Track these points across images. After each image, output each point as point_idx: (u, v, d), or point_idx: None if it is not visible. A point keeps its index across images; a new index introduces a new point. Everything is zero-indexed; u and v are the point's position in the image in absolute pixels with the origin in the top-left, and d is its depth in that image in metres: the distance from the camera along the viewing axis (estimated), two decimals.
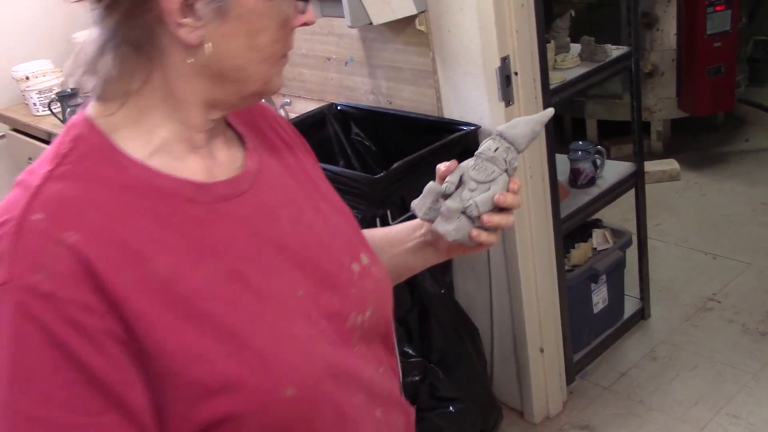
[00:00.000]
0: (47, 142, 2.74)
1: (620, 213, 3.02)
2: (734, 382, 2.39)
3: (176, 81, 0.73)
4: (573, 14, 2.58)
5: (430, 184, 0.92)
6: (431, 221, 0.93)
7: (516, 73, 1.97)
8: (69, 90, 2.70)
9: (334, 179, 1.02)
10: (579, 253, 2.48)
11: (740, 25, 3.62)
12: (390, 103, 2.27)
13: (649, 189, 2.74)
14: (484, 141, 0.93)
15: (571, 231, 2.43)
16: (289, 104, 2.47)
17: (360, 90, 2.35)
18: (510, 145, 0.91)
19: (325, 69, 2.42)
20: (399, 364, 1.34)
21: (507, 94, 1.97)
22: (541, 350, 2.28)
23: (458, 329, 2.12)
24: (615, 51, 2.47)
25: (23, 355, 0.64)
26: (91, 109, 0.75)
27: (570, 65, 2.42)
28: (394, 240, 1.00)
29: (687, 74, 3.63)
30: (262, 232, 0.78)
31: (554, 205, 2.21)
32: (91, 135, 0.72)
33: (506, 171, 0.90)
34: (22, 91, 2.89)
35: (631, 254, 2.65)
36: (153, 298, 0.68)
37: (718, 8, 3.42)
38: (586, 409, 2.39)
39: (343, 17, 2.01)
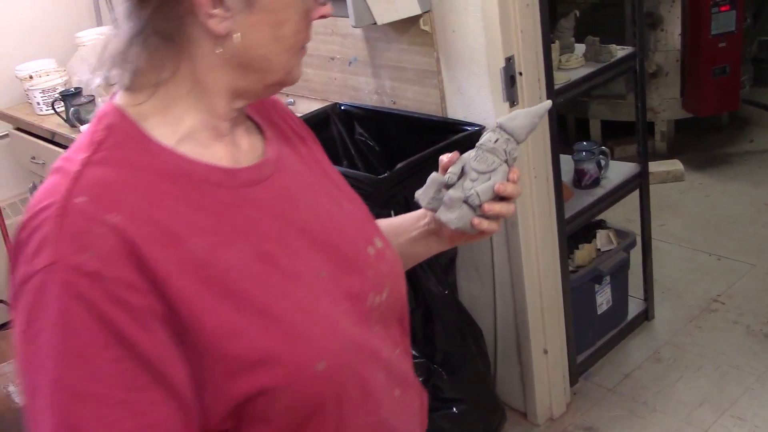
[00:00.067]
0: (51, 142, 2.74)
1: (624, 213, 3.01)
2: (739, 383, 2.38)
3: (204, 71, 0.76)
4: (578, 14, 2.57)
5: (433, 174, 0.96)
6: (434, 210, 0.96)
7: (521, 74, 1.96)
8: (72, 89, 2.70)
9: None
10: (583, 254, 2.48)
11: (745, 26, 3.61)
12: (394, 103, 2.27)
13: (653, 189, 2.73)
14: (484, 133, 0.96)
15: (575, 232, 2.42)
16: (292, 104, 2.46)
17: (364, 90, 2.35)
18: (510, 136, 0.94)
19: (329, 69, 2.42)
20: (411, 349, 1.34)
21: (511, 95, 1.96)
22: (545, 351, 2.27)
23: (462, 330, 2.12)
24: (620, 51, 2.47)
25: (71, 333, 0.66)
26: (119, 99, 0.78)
27: (574, 65, 2.41)
28: (399, 229, 1.03)
29: (691, 75, 3.62)
30: (285, 216, 0.81)
31: (558, 206, 2.20)
32: (122, 123, 0.75)
33: (506, 161, 0.94)
34: (25, 90, 2.89)
35: (635, 255, 2.64)
36: (191, 277, 0.71)
37: (722, 8, 3.41)
38: (589, 411, 2.38)
39: (347, 17, 2.01)
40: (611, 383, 2.48)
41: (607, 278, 2.50)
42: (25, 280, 0.69)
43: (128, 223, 0.69)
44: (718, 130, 4.04)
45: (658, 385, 2.43)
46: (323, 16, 0.80)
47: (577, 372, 2.45)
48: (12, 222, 3.12)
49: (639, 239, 2.65)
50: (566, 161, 2.42)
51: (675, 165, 3.68)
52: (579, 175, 2.51)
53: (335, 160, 2.28)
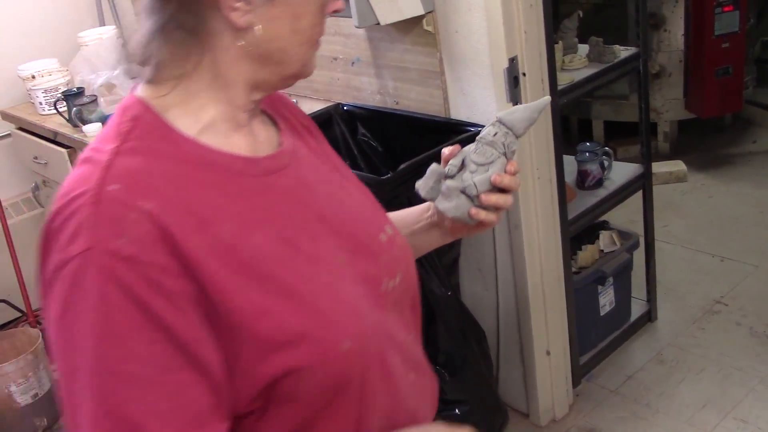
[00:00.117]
0: (53, 141, 2.73)
1: (626, 214, 3.00)
2: (742, 385, 2.37)
3: (225, 63, 0.78)
4: (581, 15, 2.56)
5: (433, 165, 0.99)
6: (433, 200, 0.99)
7: (524, 74, 1.96)
8: (75, 89, 2.70)
9: None
10: (586, 255, 2.47)
11: (748, 26, 3.60)
12: (397, 103, 2.26)
13: (656, 190, 2.72)
14: (485, 127, 0.99)
15: (578, 233, 2.41)
16: (295, 104, 2.46)
17: (367, 90, 2.34)
18: (508, 130, 0.97)
19: (332, 69, 2.41)
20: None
21: (515, 95, 1.95)
22: (548, 353, 2.27)
23: (465, 331, 2.11)
24: (623, 52, 2.46)
25: (109, 316, 0.69)
26: (141, 91, 0.80)
27: (578, 66, 2.40)
28: (403, 222, 1.05)
29: (694, 75, 3.61)
30: (304, 204, 0.84)
31: (561, 207, 2.19)
32: (147, 115, 0.77)
33: (504, 154, 0.97)
34: (28, 90, 2.88)
35: (638, 256, 2.64)
36: (221, 260, 0.73)
37: (726, 9, 3.41)
38: (592, 412, 2.38)
39: (351, 17, 2.00)
40: (614, 385, 2.47)
41: (610, 279, 2.50)
42: (61, 266, 0.70)
43: (160, 210, 0.71)
44: (721, 131, 4.03)
45: (660, 387, 2.43)
46: (336, 11, 0.83)
47: (579, 373, 2.44)
48: (14, 222, 3.12)
49: (642, 240, 2.64)
50: (569, 162, 2.42)
51: (678, 166, 3.67)
52: (582, 176, 2.50)
53: None
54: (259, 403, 0.76)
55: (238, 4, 0.75)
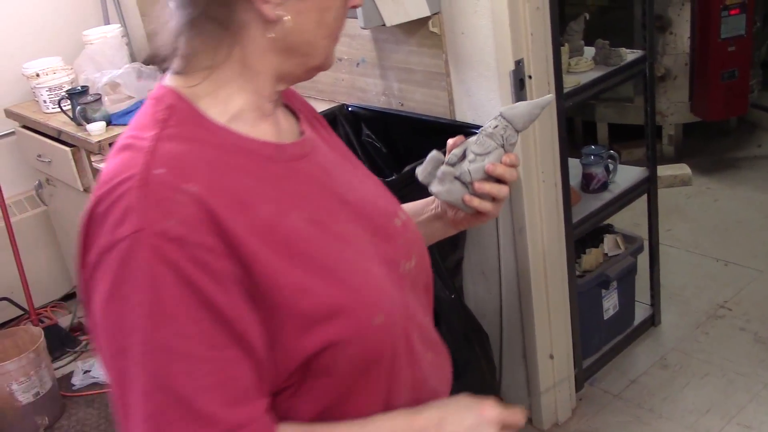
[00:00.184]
0: (57, 140, 2.73)
1: (630, 217, 2.99)
2: (746, 391, 2.36)
3: (253, 54, 0.81)
4: (587, 17, 2.55)
5: (433, 152, 1.03)
6: (429, 185, 1.03)
7: (530, 77, 1.95)
8: (79, 87, 2.69)
9: None
10: (590, 258, 2.46)
11: (755, 30, 3.59)
12: (402, 105, 2.26)
13: (660, 194, 2.71)
14: (488, 121, 1.03)
15: (582, 236, 2.41)
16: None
17: (371, 91, 2.34)
18: (508, 123, 1.01)
19: (337, 70, 2.40)
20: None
21: (520, 98, 1.94)
22: (551, 356, 2.26)
23: (468, 335, 2.10)
24: (629, 55, 2.45)
25: (160, 295, 0.71)
26: (171, 81, 0.83)
27: (584, 69, 2.39)
28: (408, 213, 1.08)
29: (700, 78, 3.60)
30: (327, 188, 0.87)
31: (566, 210, 2.19)
32: (181, 103, 0.80)
33: (503, 146, 1.00)
34: (32, 88, 2.88)
35: (642, 260, 2.63)
36: (262, 240, 0.76)
37: (732, 12, 3.40)
38: (595, 417, 2.37)
39: (356, 18, 1.99)
40: (617, 389, 2.46)
41: (614, 283, 2.49)
42: (108, 248, 0.72)
43: (205, 192, 0.74)
44: (726, 135, 4.02)
45: (664, 392, 2.42)
46: (355, 6, 0.86)
47: (582, 377, 2.44)
48: (17, 219, 3.12)
49: (646, 244, 2.63)
50: (574, 165, 2.41)
51: (682, 169, 3.66)
52: (587, 179, 2.49)
53: None
54: (295, 378, 0.79)
55: None
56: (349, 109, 2.34)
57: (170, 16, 0.81)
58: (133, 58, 3.15)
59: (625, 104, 3.75)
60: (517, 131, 1.01)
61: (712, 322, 2.70)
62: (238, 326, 0.74)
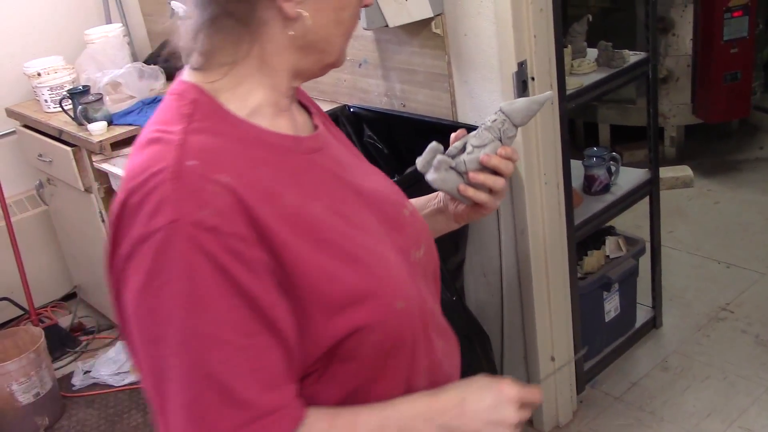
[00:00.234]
0: (58, 139, 2.73)
1: (632, 219, 2.99)
2: (747, 394, 2.36)
3: (272, 51, 0.83)
4: (590, 18, 2.55)
5: (433, 143, 1.05)
6: (426, 173, 1.04)
7: (533, 78, 1.94)
8: (80, 87, 2.69)
9: None
10: (592, 260, 2.46)
11: (757, 32, 3.58)
12: (404, 106, 2.25)
13: (662, 196, 2.71)
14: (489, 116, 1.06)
15: (584, 238, 2.40)
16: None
17: (373, 92, 2.33)
18: (507, 118, 1.03)
19: (338, 70, 2.38)
20: None
21: None
22: (552, 358, 2.26)
23: (469, 336, 2.10)
24: (632, 56, 2.44)
25: (196, 283, 0.73)
26: (190, 77, 0.84)
27: (587, 70, 2.39)
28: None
29: (702, 80, 3.59)
30: (342, 180, 0.89)
31: (568, 212, 2.18)
32: (203, 98, 0.82)
33: (500, 139, 1.02)
34: (33, 88, 2.88)
35: (644, 262, 2.62)
36: (291, 229, 0.78)
37: (735, 14, 3.39)
38: (596, 419, 2.36)
39: (359, 19, 1.99)
40: (618, 391, 2.46)
41: (616, 285, 2.48)
42: (143, 239, 0.73)
43: (236, 183, 0.75)
44: (728, 137, 4.02)
45: (665, 394, 2.41)
46: (366, 5, 0.89)
47: (584, 380, 2.43)
48: (18, 219, 3.11)
49: (648, 246, 2.63)
50: (576, 167, 2.40)
51: (684, 171, 3.66)
52: (589, 181, 2.48)
53: None
54: (319, 364, 0.81)
55: None
56: (351, 110, 2.34)
57: (188, 13, 0.83)
58: (134, 58, 3.14)
59: (627, 106, 3.74)
60: (516, 126, 1.03)
61: (713, 325, 2.70)
62: (271, 314, 0.76)
